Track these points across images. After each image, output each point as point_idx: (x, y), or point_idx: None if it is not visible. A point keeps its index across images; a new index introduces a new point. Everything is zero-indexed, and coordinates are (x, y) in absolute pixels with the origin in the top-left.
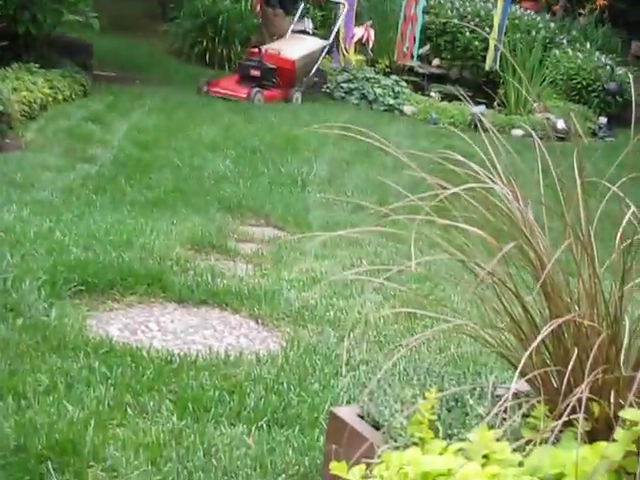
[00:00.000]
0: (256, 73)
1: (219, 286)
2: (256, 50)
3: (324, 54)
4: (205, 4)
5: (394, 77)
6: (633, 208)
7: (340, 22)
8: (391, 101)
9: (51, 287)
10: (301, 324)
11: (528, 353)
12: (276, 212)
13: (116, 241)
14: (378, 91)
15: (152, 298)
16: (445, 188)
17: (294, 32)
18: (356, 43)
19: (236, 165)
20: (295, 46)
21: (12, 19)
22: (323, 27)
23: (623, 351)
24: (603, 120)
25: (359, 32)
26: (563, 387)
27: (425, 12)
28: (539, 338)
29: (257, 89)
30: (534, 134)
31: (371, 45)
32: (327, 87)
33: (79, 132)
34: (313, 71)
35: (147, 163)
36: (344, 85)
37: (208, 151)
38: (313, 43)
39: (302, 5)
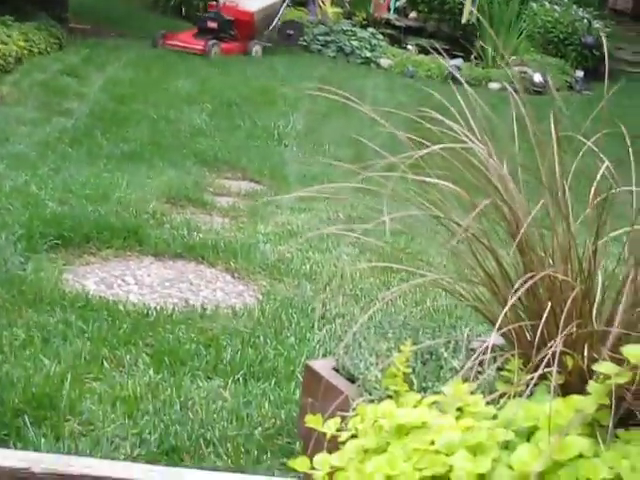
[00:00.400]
0: (213, 25)
1: (195, 239)
2: (214, 3)
3: (284, 7)
4: None
5: (371, 30)
6: (607, 163)
7: None
8: (368, 54)
9: (27, 241)
10: (277, 278)
11: (504, 310)
12: (252, 166)
13: (92, 195)
14: (355, 44)
15: (128, 252)
16: (421, 145)
17: None
18: None
19: (212, 118)
20: None
21: None
22: None
23: (596, 305)
24: (580, 74)
25: None
26: (536, 341)
27: None
28: (514, 295)
29: (213, 41)
30: (509, 87)
31: None
32: (304, 40)
33: (55, 85)
34: (274, 24)
35: (123, 116)
36: (321, 38)
37: (184, 104)
38: None
39: None
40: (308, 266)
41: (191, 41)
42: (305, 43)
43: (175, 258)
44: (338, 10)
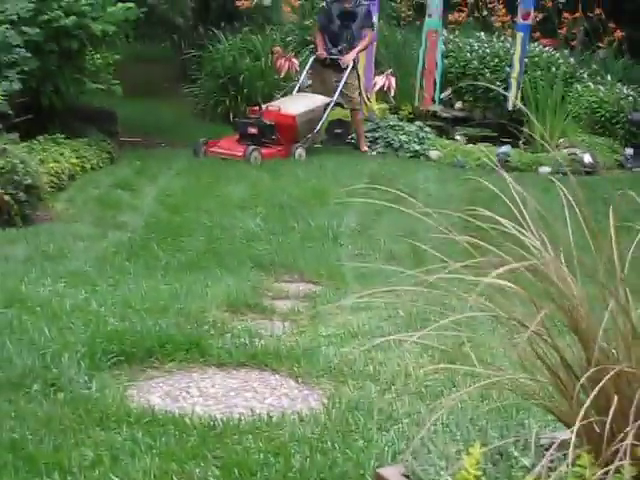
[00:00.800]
0: (253, 130)
1: (257, 347)
2: (256, 108)
3: (329, 110)
4: (225, 64)
5: (418, 123)
6: None
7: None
8: (416, 147)
9: (90, 359)
10: (341, 380)
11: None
12: (309, 267)
13: (152, 308)
14: (403, 138)
15: (191, 363)
16: (475, 246)
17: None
18: (378, 92)
19: (266, 222)
20: (297, 102)
21: (35, 92)
22: None
23: None
24: (630, 151)
25: (380, 80)
26: (606, 434)
27: (444, 56)
28: (577, 387)
29: (253, 147)
30: (560, 170)
31: (392, 93)
32: (351, 138)
33: (108, 199)
34: (318, 127)
35: (178, 226)
36: (368, 134)
37: (237, 210)
38: (316, 99)
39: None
40: (371, 366)
41: (232, 147)
42: (353, 141)
43: (238, 367)
44: (384, 106)
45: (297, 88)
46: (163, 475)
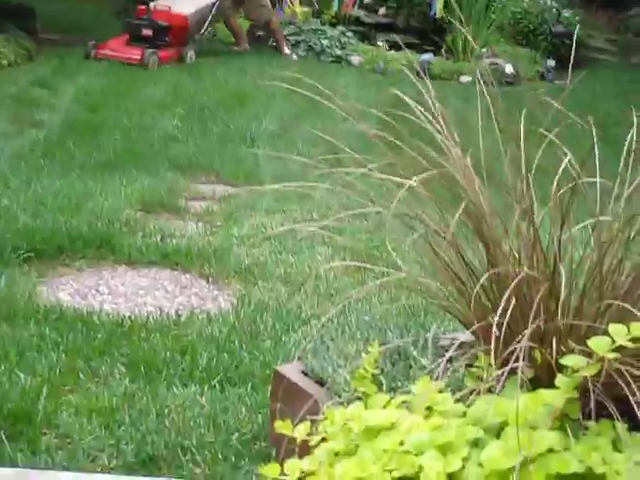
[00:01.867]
0: (148, 33)
1: (169, 246)
2: (144, 7)
3: (215, 10)
4: None
5: (340, 28)
6: (570, 156)
7: None
8: (338, 52)
9: None
10: (252, 281)
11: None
12: (226, 169)
13: (65, 206)
14: (325, 42)
15: (102, 261)
16: (392, 143)
17: None
18: None
19: (185, 123)
20: (186, 1)
21: None
22: None
23: (563, 299)
24: (551, 63)
25: None
26: (504, 336)
27: None
28: (477, 287)
29: (151, 50)
30: (479, 79)
31: None
32: (273, 41)
33: (26, 97)
34: (204, 28)
35: (96, 125)
36: (290, 38)
37: (157, 110)
38: None
39: None
40: (282, 268)
41: (126, 50)
42: (274, 44)
43: (149, 265)
44: (307, 9)
45: None
46: (69, 371)
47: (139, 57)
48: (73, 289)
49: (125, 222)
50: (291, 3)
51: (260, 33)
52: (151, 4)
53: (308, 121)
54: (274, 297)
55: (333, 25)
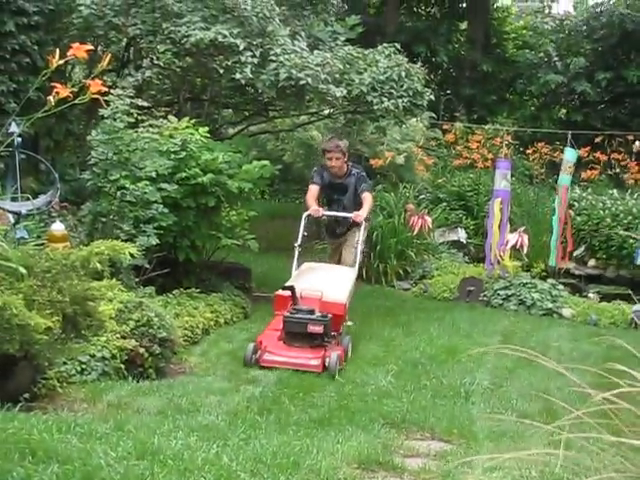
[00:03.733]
0: (318, 330)
1: None
2: (288, 293)
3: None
4: None
5: (551, 281)
6: None
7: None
8: (549, 305)
9: None
10: None
11: None
12: (440, 425)
13: (283, 464)
14: (535, 296)
15: None
16: (612, 401)
17: (448, 242)
18: (511, 249)
19: (398, 379)
20: (331, 282)
21: (172, 246)
22: (476, 236)
23: None
24: None
25: (513, 238)
26: None
27: (577, 214)
28: None
29: (332, 352)
30: None
31: (525, 250)
32: (484, 295)
33: (241, 354)
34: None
35: (310, 382)
36: (501, 292)
37: (369, 366)
38: (342, 274)
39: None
40: None
41: (297, 354)
42: (485, 298)
43: None
44: (517, 263)
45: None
46: None
47: (319, 364)
48: None
49: None
50: (501, 257)
51: (471, 288)
52: (297, 289)
53: (522, 375)
54: None
55: (543, 278)
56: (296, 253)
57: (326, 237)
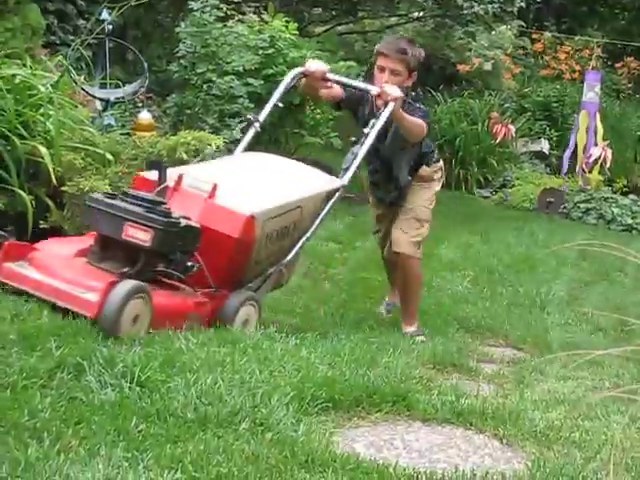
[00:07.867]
0: (142, 239)
1: (463, 405)
2: (154, 177)
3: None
4: (442, 126)
5: (632, 196)
6: None
7: None
8: (629, 221)
9: (299, 403)
10: (546, 445)
11: None
12: (515, 333)
13: (360, 359)
14: (616, 211)
15: (397, 416)
16: None
17: (531, 153)
18: (593, 163)
19: (474, 285)
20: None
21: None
22: (559, 147)
23: None
24: None
25: (596, 152)
26: None
27: None
28: None
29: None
30: None
31: (608, 164)
32: (564, 207)
33: (320, 252)
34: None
35: (381, 285)
36: (581, 205)
37: (446, 271)
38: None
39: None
40: (577, 434)
41: None
42: (565, 210)
43: (443, 423)
44: (599, 177)
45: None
46: None
47: None
48: (368, 441)
49: (419, 379)
50: (584, 171)
51: (551, 199)
52: None
53: (598, 289)
54: (569, 462)
55: (625, 194)
56: (251, 131)
57: (371, 203)
